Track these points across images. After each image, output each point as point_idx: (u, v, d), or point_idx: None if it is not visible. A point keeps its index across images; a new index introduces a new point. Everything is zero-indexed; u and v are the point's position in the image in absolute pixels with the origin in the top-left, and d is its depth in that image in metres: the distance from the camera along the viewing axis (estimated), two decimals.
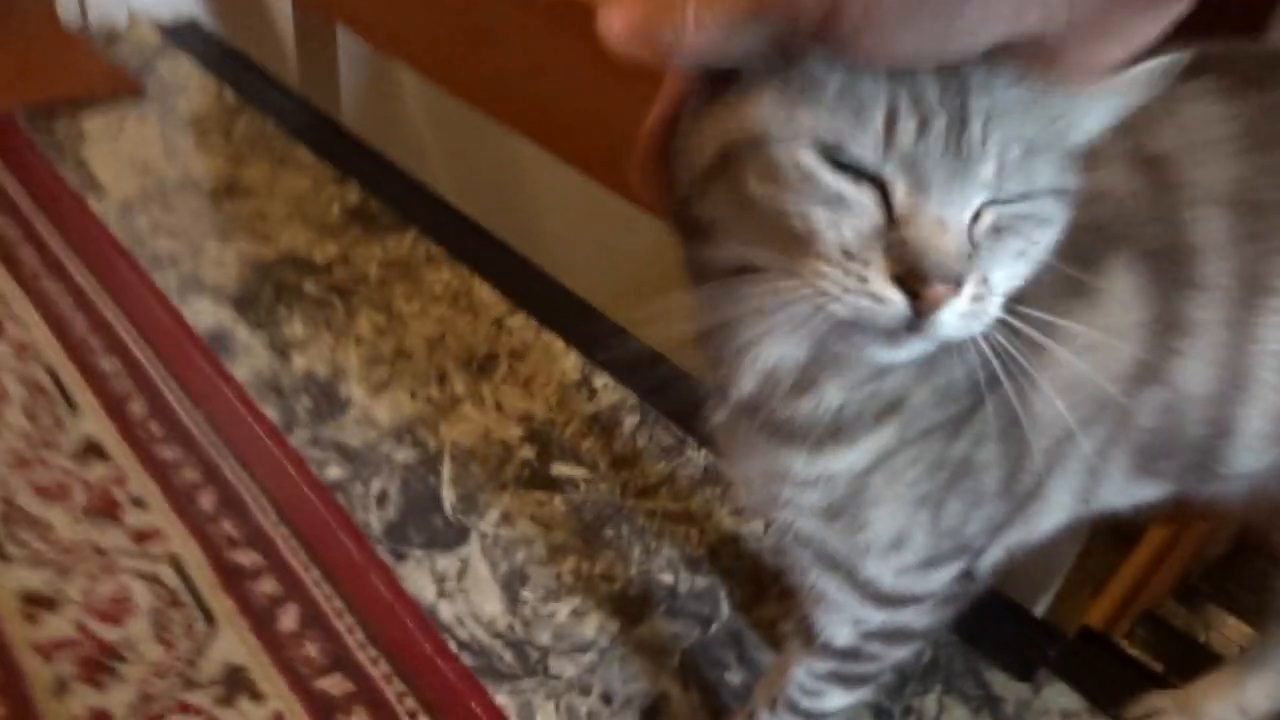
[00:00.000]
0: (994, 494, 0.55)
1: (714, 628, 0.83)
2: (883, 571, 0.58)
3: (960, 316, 0.40)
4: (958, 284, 0.39)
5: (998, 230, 0.41)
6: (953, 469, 0.54)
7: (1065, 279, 0.47)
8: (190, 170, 1.29)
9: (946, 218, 0.39)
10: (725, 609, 0.84)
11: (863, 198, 0.39)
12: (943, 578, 0.59)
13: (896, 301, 0.39)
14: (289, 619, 0.77)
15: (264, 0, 1.56)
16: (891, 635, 0.64)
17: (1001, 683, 0.81)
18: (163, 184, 1.25)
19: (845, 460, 0.52)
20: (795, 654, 0.69)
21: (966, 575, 0.61)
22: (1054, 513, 0.60)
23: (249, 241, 1.17)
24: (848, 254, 0.39)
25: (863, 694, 0.71)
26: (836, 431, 0.50)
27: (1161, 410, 0.53)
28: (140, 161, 1.29)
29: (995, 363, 0.43)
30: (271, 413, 0.95)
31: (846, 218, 0.39)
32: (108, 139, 1.33)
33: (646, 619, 0.83)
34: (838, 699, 0.69)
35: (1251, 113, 0.50)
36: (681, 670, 0.80)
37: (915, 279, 0.38)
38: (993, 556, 0.62)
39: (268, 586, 0.78)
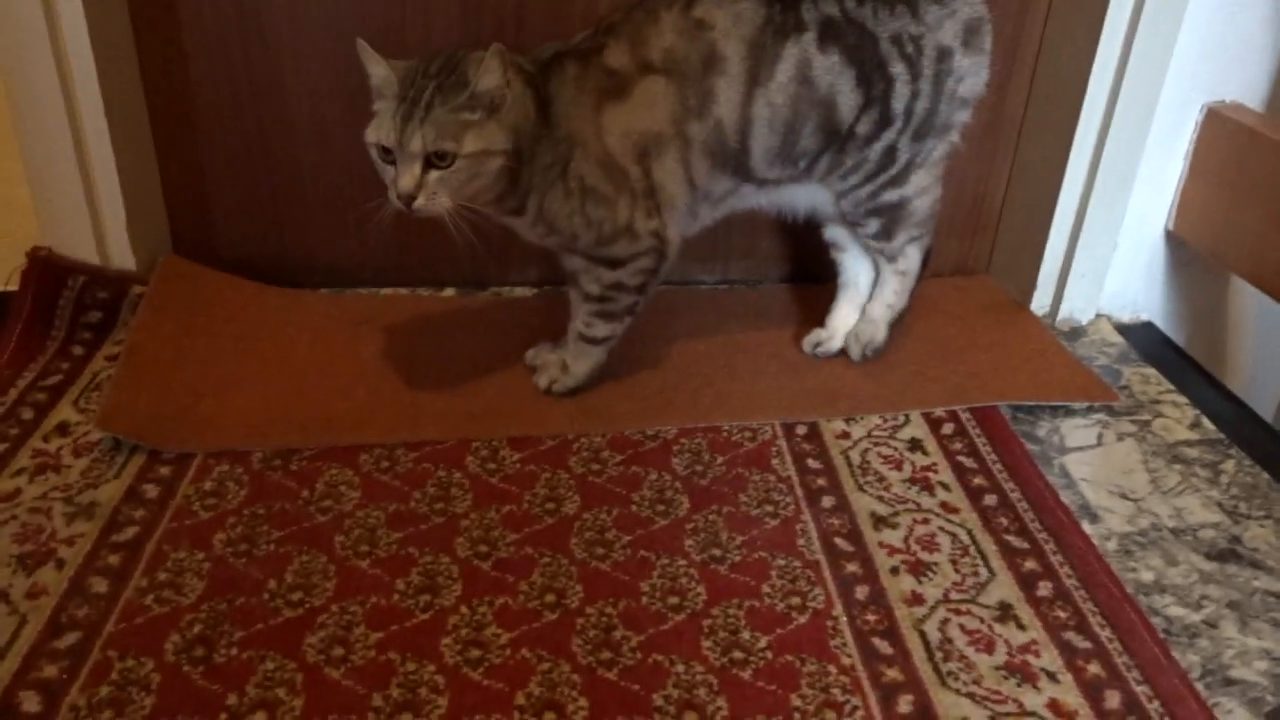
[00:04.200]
0: (613, 196, 1.18)
1: None
2: (591, 246, 1.21)
3: (419, 208, 1.09)
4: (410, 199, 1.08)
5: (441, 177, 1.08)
6: (578, 189, 1.17)
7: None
8: (1184, 516, 1.18)
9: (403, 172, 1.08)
10: None
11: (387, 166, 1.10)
12: (621, 250, 1.21)
13: (395, 201, 1.09)
14: None
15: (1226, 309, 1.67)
16: (616, 286, 1.24)
17: None
18: (1157, 525, 1.16)
19: (530, 215, 1.19)
20: (575, 305, 1.31)
21: (657, 251, 1.23)
22: (675, 196, 1.22)
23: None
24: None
25: (617, 327, 1.29)
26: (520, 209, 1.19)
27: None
28: (1125, 487, 1.22)
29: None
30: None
31: (387, 173, 1.10)
32: (1088, 452, 1.28)
33: None
34: (602, 328, 1.28)
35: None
36: None
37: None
38: (673, 227, 1.24)
39: None
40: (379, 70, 1.11)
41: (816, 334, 1.46)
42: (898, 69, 1.21)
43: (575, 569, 1.05)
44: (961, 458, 1.26)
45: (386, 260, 1.60)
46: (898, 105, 1.22)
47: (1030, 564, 1.09)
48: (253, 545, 1.06)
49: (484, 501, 1.14)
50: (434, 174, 1.08)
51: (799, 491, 1.19)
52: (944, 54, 1.22)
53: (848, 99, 1.21)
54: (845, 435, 1.29)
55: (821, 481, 1.21)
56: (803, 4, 1.18)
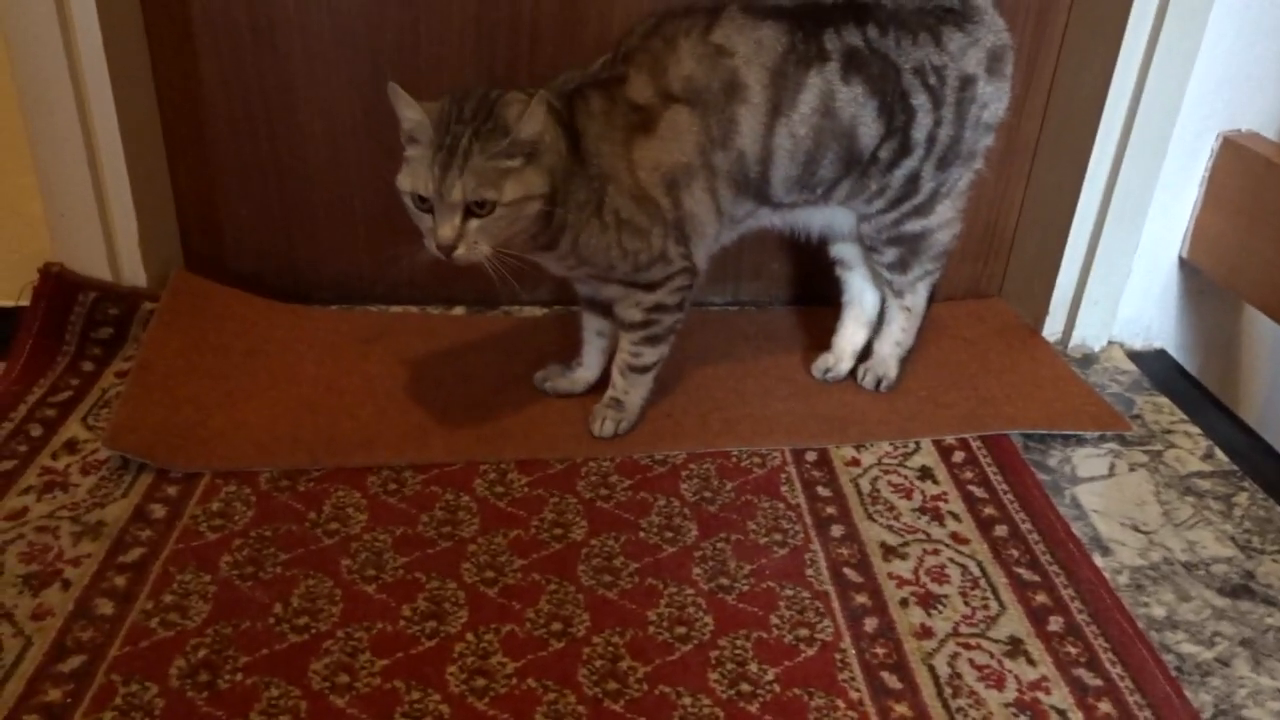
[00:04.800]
0: (647, 227, 1.18)
1: None
2: (628, 274, 1.20)
3: (459, 257, 1.06)
4: (450, 250, 1.05)
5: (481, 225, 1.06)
6: (614, 223, 1.16)
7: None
8: (1196, 550, 1.17)
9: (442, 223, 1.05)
10: None
11: (423, 214, 1.07)
12: (657, 274, 1.21)
13: (434, 250, 1.08)
14: None
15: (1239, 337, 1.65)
16: (657, 308, 1.23)
17: None
18: (1169, 559, 1.15)
19: (562, 250, 1.17)
20: (589, 338, 1.35)
21: (689, 270, 1.23)
22: (705, 224, 1.21)
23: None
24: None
25: (664, 349, 1.28)
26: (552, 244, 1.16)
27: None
28: (1136, 520, 1.22)
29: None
30: None
31: (423, 222, 1.07)
32: (1100, 482, 1.28)
33: None
34: (651, 354, 1.27)
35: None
36: None
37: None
38: (701, 253, 1.24)
39: None
40: (412, 114, 1.07)
41: (824, 359, 1.45)
42: (920, 100, 1.20)
43: (582, 596, 1.05)
44: (972, 487, 1.25)
45: (397, 277, 1.60)
46: (919, 134, 1.21)
47: (1041, 598, 1.08)
48: (259, 568, 1.06)
49: (491, 526, 1.14)
50: (474, 223, 1.06)
51: (808, 520, 1.18)
52: (967, 82, 1.21)
53: (869, 129, 1.20)
54: (855, 462, 1.29)
55: (831, 510, 1.20)
56: (825, 33, 1.17)
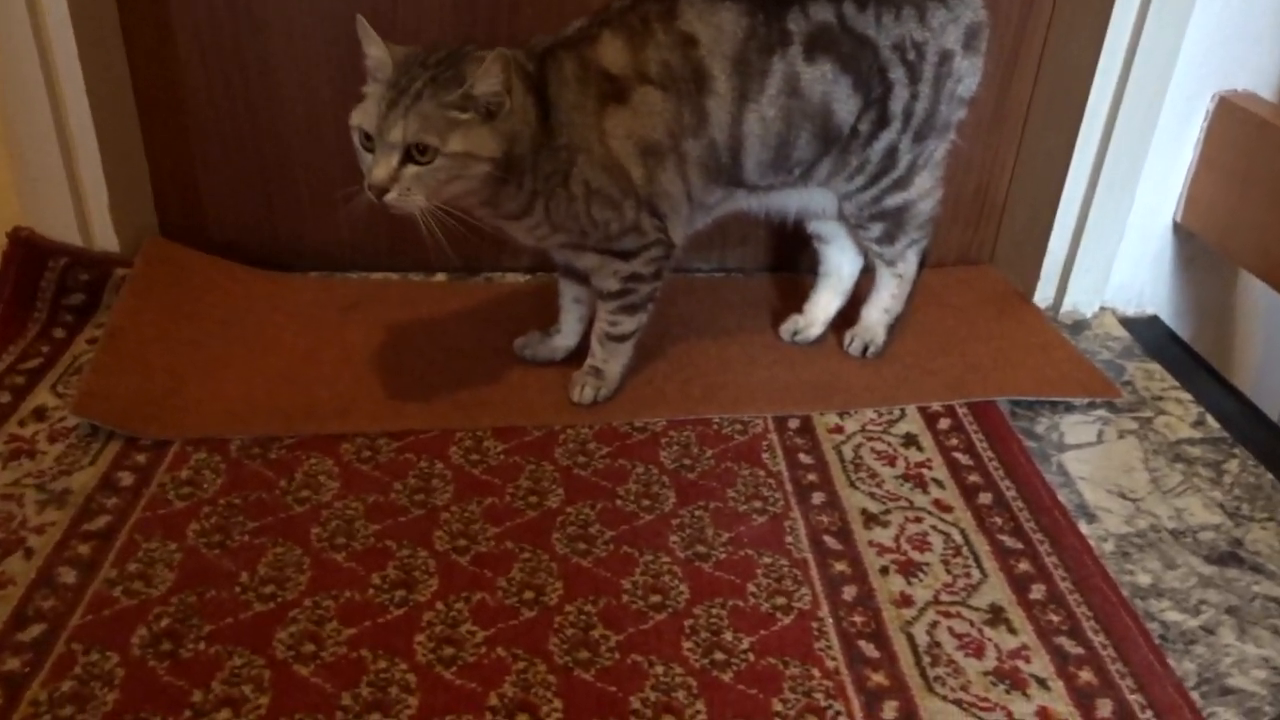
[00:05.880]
0: (619, 199, 1.14)
1: None
2: (601, 242, 1.17)
3: (391, 201, 1.02)
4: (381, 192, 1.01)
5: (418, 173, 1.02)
6: (583, 193, 1.13)
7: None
8: (1184, 517, 1.15)
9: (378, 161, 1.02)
10: None
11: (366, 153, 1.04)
12: (630, 244, 1.18)
13: (367, 192, 1.03)
14: None
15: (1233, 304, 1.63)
16: (633, 277, 1.20)
17: None
18: (1156, 526, 1.13)
19: (535, 218, 1.14)
20: (567, 308, 1.33)
21: (663, 243, 1.20)
22: (677, 203, 1.18)
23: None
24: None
25: (641, 318, 1.25)
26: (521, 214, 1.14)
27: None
28: (1124, 487, 1.20)
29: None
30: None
31: (364, 161, 1.04)
32: (1088, 449, 1.26)
33: None
34: (628, 323, 1.24)
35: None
36: None
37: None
38: (676, 230, 1.21)
39: None
40: (376, 51, 1.05)
41: (794, 321, 1.43)
42: (897, 74, 1.17)
43: (556, 565, 1.03)
44: (957, 454, 1.23)
45: (378, 244, 1.57)
46: (895, 107, 1.19)
47: (1024, 565, 1.06)
48: (227, 536, 1.04)
49: (465, 494, 1.12)
50: (410, 169, 1.02)
51: (789, 487, 1.16)
52: (945, 57, 1.19)
53: (844, 105, 1.17)
54: (839, 429, 1.26)
55: (812, 477, 1.18)
56: (790, 12, 1.13)
